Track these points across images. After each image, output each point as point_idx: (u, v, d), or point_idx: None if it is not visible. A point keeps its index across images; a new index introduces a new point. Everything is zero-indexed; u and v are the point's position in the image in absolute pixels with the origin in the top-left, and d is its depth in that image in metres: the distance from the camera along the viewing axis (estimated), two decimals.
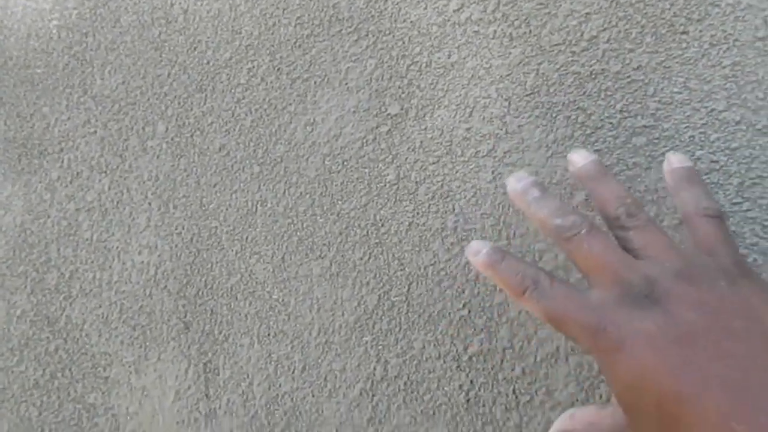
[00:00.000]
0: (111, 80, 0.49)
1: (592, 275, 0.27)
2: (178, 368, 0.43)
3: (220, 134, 0.44)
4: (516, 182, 0.31)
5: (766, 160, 0.31)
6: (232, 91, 0.44)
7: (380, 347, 0.38)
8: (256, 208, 0.42)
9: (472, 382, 0.35)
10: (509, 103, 0.36)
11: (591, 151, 0.33)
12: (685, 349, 0.24)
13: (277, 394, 0.40)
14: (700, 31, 0.33)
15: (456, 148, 0.37)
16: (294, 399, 0.39)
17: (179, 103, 0.46)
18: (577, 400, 0.33)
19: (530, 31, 0.36)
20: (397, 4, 0.39)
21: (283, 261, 0.41)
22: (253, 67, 0.44)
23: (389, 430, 0.37)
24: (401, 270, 0.38)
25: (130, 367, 0.45)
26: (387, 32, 0.40)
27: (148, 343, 0.44)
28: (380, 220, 0.38)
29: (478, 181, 0.36)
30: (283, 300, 0.41)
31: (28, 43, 0.53)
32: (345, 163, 0.40)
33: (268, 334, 0.41)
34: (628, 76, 0.34)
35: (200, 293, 0.43)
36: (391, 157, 0.39)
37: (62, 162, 0.50)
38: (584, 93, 0.35)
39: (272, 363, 0.40)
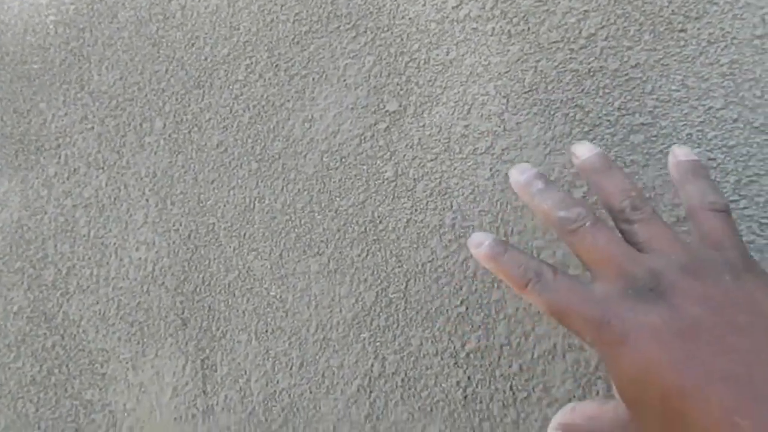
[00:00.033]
0: (108, 76, 0.48)
1: (596, 268, 0.27)
2: (176, 365, 0.43)
3: (218, 131, 0.44)
4: (519, 174, 0.31)
5: (763, 157, 0.31)
6: (230, 87, 0.44)
7: (378, 344, 0.38)
8: (254, 204, 0.42)
9: (469, 378, 0.35)
10: (507, 101, 0.36)
11: (595, 144, 0.33)
12: (689, 343, 0.23)
13: (275, 391, 0.40)
14: (698, 29, 0.33)
15: (454, 145, 0.37)
16: (291, 395, 0.39)
17: (177, 100, 0.46)
18: (574, 397, 0.33)
19: (528, 28, 0.36)
20: (396, 0, 0.39)
21: (281, 258, 0.41)
22: (251, 63, 0.43)
23: (387, 427, 0.37)
24: (399, 267, 0.38)
25: (127, 363, 0.45)
26: (385, 29, 0.40)
27: (145, 340, 0.44)
28: (378, 217, 0.39)
29: (476, 179, 0.36)
30: (280, 297, 0.41)
31: (25, 39, 0.53)
32: (343, 159, 0.40)
33: (266, 331, 0.41)
34: (626, 74, 0.34)
35: (198, 290, 0.43)
36: (389, 154, 0.39)
37: (59, 158, 0.49)
38: (582, 90, 0.35)
39: (270, 359, 0.40)
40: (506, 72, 0.36)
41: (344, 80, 0.40)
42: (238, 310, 0.42)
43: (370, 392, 0.37)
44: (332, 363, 0.39)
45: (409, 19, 0.39)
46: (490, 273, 0.35)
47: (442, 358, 0.36)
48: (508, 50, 0.36)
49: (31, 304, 0.49)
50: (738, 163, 0.31)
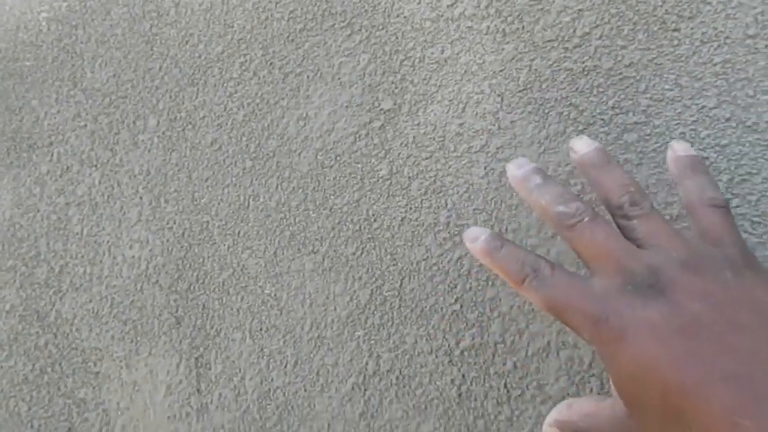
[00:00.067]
0: (101, 73, 0.48)
1: (595, 264, 0.27)
2: (170, 363, 0.43)
3: (212, 128, 0.44)
4: (516, 168, 0.30)
5: (755, 156, 0.31)
6: (224, 85, 0.44)
7: (372, 342, 0.38)
8: (249, 202, 0.42)
9: (464, 376, 0.35)
10: (502, 99, 0.36)
11: (593, 139, 0.32)
12: (689, 340, 0.23)
13: (269, 389, 0.40)
14: (692, 28, 0.33)
15: (449, 143, 0.37)
16: (286, 393, 0.39)
17: (171, 97, 0.46)
18: (568, 394, 0.33)
19: (523, 27, 0.36)
20: None
21: (276, 256, 0.41)
22: (246, 61, 0.43)
23: (381, 425, 0.37)
24: (394, 265, 0.38)
25: (120, 361, 0.45)
26: (380, 27, 0.40)
27: (139, 338, 0.44)
28: (373, 215, 0.39)
29: (471, 177, 0.36)
30: (275, 295, 0.41)
31: (17, 36, 0.52)
32: (338, 158, 0.40)
33: (261, 329, 0.41)
34: (620, 73, 0.34)
35: (192, 288, 0.43)
36: (383, 152, 0.39)
37: (52, 156, 0.49)
38: (576, 89, 0.35)
39: (264, 358, 0.40)
40: (501, 70, 0.36)
41: (339, 78, 0.40)
42: (232, 309, 0.42)
43: (365, 390, 0.37)
44: (327, 361, 0.39)
45: (404, 17, 0.39)
46: (485, 271, 0.35)
47: (436, 356, 0.36)
48: (503, 49, 0.37)
49: (23, 302, 0.49)
50: (730, 161, 0.31)
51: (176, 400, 0.43)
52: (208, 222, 0.43)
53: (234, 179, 0.43)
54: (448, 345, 0.36)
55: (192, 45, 0.45)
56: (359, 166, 0.39)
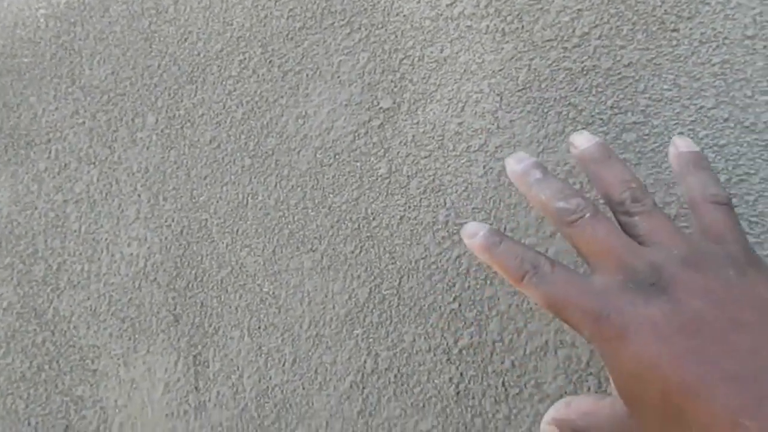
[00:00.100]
0: (100, 70, 0.48)
1: (595, 260, 0.26)
2: (168, 361, 0.43)
3: (211, 126, 0.44)
4: (516, 163, 0.30)
5: (752, 156, 0.31)
6: (223, 83, 0.44)
7: (371, 340, 0.38)
8: (247, 200, 0.42)
9: (462, 374, 0.35)
10: (501, 98, 0.36)
11: (595, 134, 0.32)
12: (690, 338, 0.23)
13: (268, 387, 0.40)
14: (690, 28, 0.33)
15: (448, 142, 0.37)
16: (284, 392, 0.40)
17: (169, 95, 0.45)
18: (566, 393, 0.33)
19: (523, 26, 0.36)
20: None
21: (274, 254, 0.41)
22: (245, 59, 0.43)
23: (379, 423, 0.37)
24: (392, 263, 0.38)
25: (118, 359, 0.45)
26: (380, 26, 0.40)
27: (137, 336, 0.44)
28: (372, 213, 0.39)
29: (470, 176, 0.37)
30: (273, 293, 0.41)
31: (15, 32, 0.52)
32: (337, 156, 0.40)
33: (259, 327, 0.41)
34: (619, 73, 0.34)
35: (190, 286, 0.43)
36: (383, 150, 0.39)
37: (50, 153, 0.49)
38: (575, 89, 0.35)
39: (262, 356, 0.40)
40: (500, 70, 0.37)
41: (338, 77, 0.40)
42: (230, 307, 0.42)
43: (363, 388, 0.37)
44: (325, 359, 0.39)
45: (404, 16, 0.39)
46: (483, 270, 0.35)
47: (434, 355, 0.36)
48: (502, 48, 0.37)
49: (21, 299, 0.49)
50: (728, 161, 0.32)
51: (174, 397, 0.43)
52: (206, 220, 0.43)
53: (233, 177, 0.43)
54: (447, 343, 0.36)
55: (191, 42, 0.45)
56: (358, 164, 0.39)
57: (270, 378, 0.40)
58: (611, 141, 0.34)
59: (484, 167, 0.36)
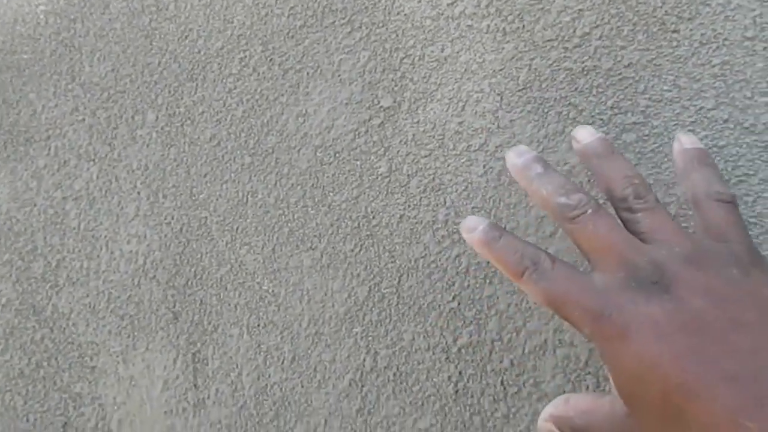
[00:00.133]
0: (100, 67, 0.48)
1: (596, 257, 0.26)
2: (167, 358, 0.43)
3: (211, 124, 0.44)
4: (516, 157, 0.29)
5: (752, 158, 0.32)
6: (224, 81, 0.44)
7: (370, 338, 0.38)
8: (247, 198, 0.42)
9: (460, 373, 0.36)
10: (501, 98, 0.36)
11: (597, 129, 0.31)
12: (692, 338, 0.23)
13: (266, 385, 0.40)
14: (691, 29, 0.33)
15: (448, 141, 0.37)
16: (283, 389, 0.40)
17: (169, 92, 0.45)
18: (564, 392, 0.33)
19: (523, 26, 0.36)
20: None
21: (274, 252, 0.41)
22: (245, 57, 0.43)
23: (378, 421, 0.37)
24: (392, 262, 0.38)
25: (117, 356, 0.45)
26: (380, 24, 0.40)
27: (136, 333, 0.44)
28: (371, 212, 0.39)
29: (470, 175, 0.37)
30: (273, 291, 0.41)
31: (15, 29, 0.52)
32: (337, 155, 0.40)
33: (258, 325, 0.41)
34: (619, 73, 0.34)
35: (189, 283, 0.43)
36: (383, 149, 0.39)
37: (49, 150, 0.49)
38: (576, 89, 0.35)
39: (262, 353, 0.40)
40: (501, 69, 0.37)
41: (339, 75, 0.40)
42: (230, 304, 0.42)
43: (362, 386, 0.38)
44: (324, 357, 0.39)
45: (405, 15, 0.39)
46: (483, 269, 0.36)
47: (433, 353, 0.36)
48: (503, 48, 0.37)
49: (19, 296, 0.49)
50: (728, 162, 0.32)
51: (173, 395, 0.43)
52: (206, 218, 0.43)
53: (233, 175, 0.43)
54: (446, 342, 0.36)
55: (191, 40, 0.45)
56: (358, 163, 0.39)
57: (269, 376, 0.40)
58: (611, 141, 0.34)
59: (484, 166, 0.36)
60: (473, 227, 0.28)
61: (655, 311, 0.24)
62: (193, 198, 0.44)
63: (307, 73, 0.41)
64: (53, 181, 0.48)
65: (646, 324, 0.23)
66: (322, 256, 0.39)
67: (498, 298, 0.35)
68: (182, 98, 0.45)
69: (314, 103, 0.41)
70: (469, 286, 0.36)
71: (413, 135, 0.38)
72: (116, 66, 0.48)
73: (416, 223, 0.37)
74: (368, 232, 0.39)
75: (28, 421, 0.47)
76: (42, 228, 0.48)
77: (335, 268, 0.39)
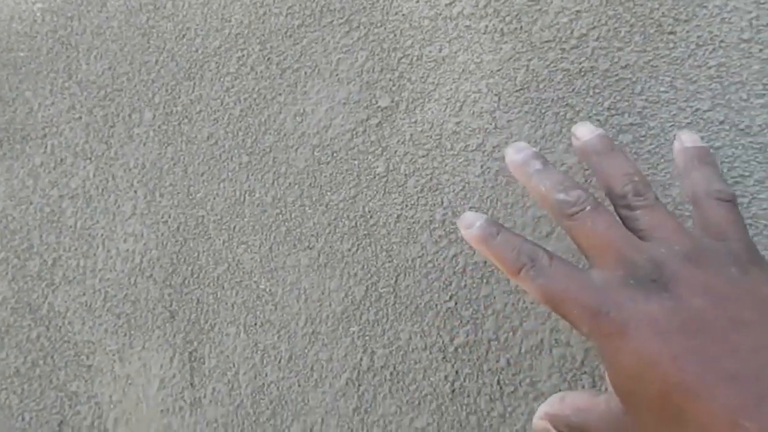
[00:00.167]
0: (97, 66, 0.48)
1: (595, 254, 0.26)
2: (163, 357, 0.43)
3: (209, 123, 0.44)
4: (515, 153, 0.29)
5: (747, 159, 0.32)
6: (221, 79, 0.44)
7: (367, 338, 0.38)
8: (244, 197, 0.42)
9: (457, 372, 0.36)
10: (499, 99, 0.37)
11: (600, 125, 0.31)
12: (691, 337, 0.22)
13: (263, 384, 0.40)
14: (687, 31, 0.33)
15: (446, 141, 0.37)
16: (280, 388, 0.40)
17: (167, 91, 0.45)
18: (560, 391, 0.33)
19: (521, 27, 0.36)
20: None
21: (271, 251, 0.41)
22: (243, 56, 0.43)
23: (375, 420, 0.37)
24: (389, 262, 0.38)
25: (113, 355, 0.45)
26: (379, 24, 0.40)
27: (132, 332, 0.44)
28: (369, 212, 0.39)
29: (467, 175, 0.37)
30: (270, 290, 0.41)
31: (11, 26, 0.52)
32: (334, 154, 0.40)
33: (255, 324, 0.41)
34: (616, 74, 0.34)
35: (186, 282, 0.43)
36: (380, 149, 0.39)
37: (45, 147, 0.49)
38: (573, 90, 0.35)
39: (258, 352, 0.40)
40: (498, 70, 0.37)
41: (337, 75, 0.40)
42: (226, 303, 0.42)
43: (359, 385, 0.38)
44: (321, 356, 0.39)
45: (403, 15, 0.39)
46: (480, 269, 0.36)
47: (430, 353, 0.36)
48: (501, 48, 0.37)
49: (15, 294, 0.48)
50: (724, 164, 0.32)
51: (169, 393, 0.43)
52: (203, 216, 0.43)
53: (230, 174, 0.43)
54: (442, 342, 0.36)
55: (189, 39, 0.45)
56: (356, 162, 0.39)
57: (266, 375, 0.40)
58: (611, 138, 0.34)
59: (481, 167, 0.37)
60: (471, 223, 0.28)
61: (654, 309, 0.23)
62: (190, 197, 0.44)
63: (305, 73, 0.41)
64: (49, 179, 0.48)
65: (645, 322, 0.23)
66: (319, 255, 0.40)
67: (495, 297, 0.35)
68: (179, 97, 0.45)
69: (312, 103, 0.41)
70: (466, 285, 0.36)
71: (411, 135, 0.38)
72: (113, 64, 0.47)
73: (413, 222, 0.38)
74: (365, 232, 0.39)
75: (23, 419, 0.47)
76: (38, 226, 0.48)
77: (332, 267, 0.39)
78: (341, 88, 0.40)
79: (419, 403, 0.36)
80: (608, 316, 0.24)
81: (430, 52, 0.38)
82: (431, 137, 0.38)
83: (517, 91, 0.36)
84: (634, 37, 0.34)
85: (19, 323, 0.48)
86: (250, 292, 0.41)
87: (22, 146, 0.50)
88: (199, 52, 0.45)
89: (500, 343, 0.35)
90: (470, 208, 0.36)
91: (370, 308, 0.38)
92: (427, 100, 0.38)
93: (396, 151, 0.38)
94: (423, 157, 0.38)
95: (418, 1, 0.39)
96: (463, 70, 0.37)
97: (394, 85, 0.39)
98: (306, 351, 0.39)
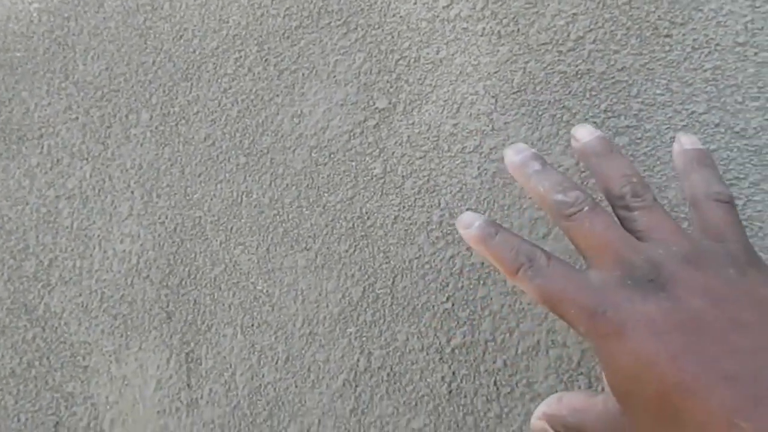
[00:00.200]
0: (94, 66, 0.48)
1: (593, 255, 0.26)
2: (160, 358, 0.43)
3: (206, 124, 0.44)
4: (514, 154, 0.29)
5: (742, 161, 0.32)
6: (219, 80, 0.44)
7: (364, 339, 0.38)
8: (242, 198, 0.42)
9: (454, 373, 0.36)
10: (496, 100, 0.37)
11: (596, 127, 0.31)
12: (689, 337, 0.23)
13: (260, 385, 0.40)
14: (683, 34, 0.34)
15: (443, 143, 0.38)
16: (277, 389, 0.40)
17: (164, 92, 0.45)
18: (557, 392, 0.34)
19: (518, 29, 0.37)
20: None
21: (268, 252, 0.41)
22: (241, 57, 0.43)
23: (371, 421, 0.37)
24: (386, 263, 0.38)
25: (110, 356, 0.44)
26: (376, 26, 0.40)
27: (129, 333, 0.44)
28: (366, 213, 0.39)
29: (464, 177, 0.37)
30: (267, 291, 0.41)
31: (8, 26, 0.52)
32: (332, 155, 0.40)
33: (252, 325, 0.41)
34: (613, 77, 0.35)
35: (183, 283, 0.43)
36: (378, 150, 0.39)
37: (42, 148, 0.49)
38: (570, 92, 0.35)
39: (255, 353, 0.40)
40: (495, 72, 0.37)
41: (334, 76, 0.41)
42: (223, 304, 0.42)
43: (356, 386, 0.38)
44: (318, 357, 0.39)
45: (400, 17, 0.39)
46: (477, 270, 0.36)
47: (427, 354, 0.36)
48: (498, 51, 0.37)
49: (11, 295, 0.48)
50: (719, 166, 0.32)
51: (166, 394, 0.43)
52: (200, 217, 0.43)
53: (227, 175, 0.43)
54: (439, 342, 0.36)
55: (186, 40, 0.45)
56: (353, 164, 0.39)
57: (263, 376, 0.40)
58: (610, 140, 0.34)
59: (478, 168, 0.37)
60: (469, 223, 0.28)
61: (652, 309, 0.23)
62: (188, 198, 0.44)
63: (303, 74, 0.41)
64: (46, 179, 0.48)
65: (642, 322, 0.23)
66: (316, 256, 0.40)
67: (491, 299, 0.35)
68: (177, 98, 0.45)
69: (309, 104, 0.41)
70: (462, 287, 0.36)
71: (408, 136, 0.38)
72: (110, 65, 0.47)
73: (411, 224, 0.38)
74: (363, 233, 0.39)
75: (19, 420, 0.47)
76: (34, 226, 0.48)
77: (330, 268, 0.39)
78: (339, 89, 0.40)
79: (416, 404, 0.36)
80: (605, 316, 0.24)
81: (428, 54, 0.38)
82: (428, 139, 0.38)
83: (514, 93, 0.36)
84: (631, 40, 0.34)
85: (14, 324, 0.48)
86: (247, 293, 0.41)
87: (18, 146, 0.50)
88: (197, 53, 0.45)
89: (497, 344, 0.35)
90: (467, 209, 0.37)
91: (367, 309, 0.38)
92: (424, 101, 0.38)
93: (393, 153, 0.39)
94: (420, 158, 0.38)
95: (415, 3, 0.39)
96: (460, 72, 0.38)
97: (391, 87, 0.39)
98: (303, 352, 0.39)
